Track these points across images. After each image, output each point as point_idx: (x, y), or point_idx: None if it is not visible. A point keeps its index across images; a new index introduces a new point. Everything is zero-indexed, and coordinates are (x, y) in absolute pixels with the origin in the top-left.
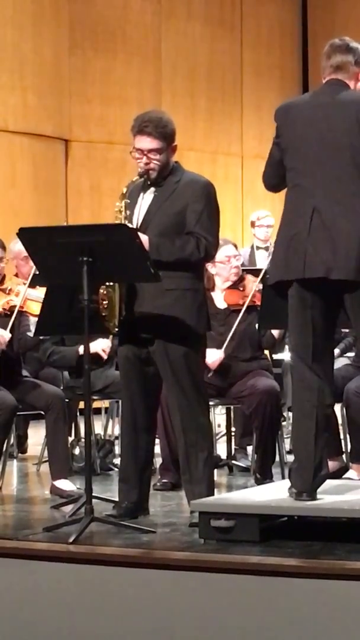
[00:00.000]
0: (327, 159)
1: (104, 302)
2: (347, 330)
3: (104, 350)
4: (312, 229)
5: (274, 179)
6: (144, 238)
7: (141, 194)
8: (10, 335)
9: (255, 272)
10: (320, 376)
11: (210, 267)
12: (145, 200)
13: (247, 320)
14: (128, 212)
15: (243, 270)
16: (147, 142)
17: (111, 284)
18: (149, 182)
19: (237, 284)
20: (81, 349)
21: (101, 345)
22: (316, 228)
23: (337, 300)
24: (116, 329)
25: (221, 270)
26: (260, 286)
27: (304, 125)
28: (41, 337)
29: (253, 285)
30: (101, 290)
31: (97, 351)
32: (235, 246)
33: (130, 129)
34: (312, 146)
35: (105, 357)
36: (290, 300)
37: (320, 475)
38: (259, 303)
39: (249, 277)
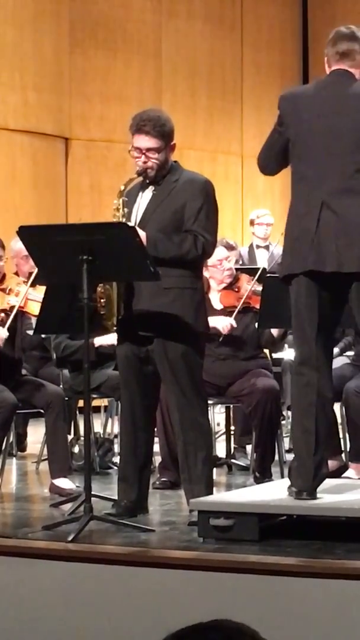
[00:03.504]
0: (336, 152)
1: (102, 300)
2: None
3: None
4: (321, 223)
5: (272, 164)
6: (142, 234)
7: (140, 193)
8: (7, 333)
9: (254, 272)
10: (321, 372)
11: (203, 271)
12: (144, 198)
13: (243, 320)
14: (126, 210)
15: (241, 269)
16: (145, 141)
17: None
18: (147, 181)
19: (232, 285)
20: (96, 341)
21: (113, 340)
22: (325, 221)
23: (343, 295)
24: (114, 328)
25: (214, 274)
26: (257, 287)
27: (312, 118)
28: (43, 335)
29: (248, 285)
30: (99, 289)
31: (113, 343)
32: (229, 246)
33: (128, 128)
34: (321, 139)
35: None
36: (295, 294)
37: (320, 474)
38: (254, 304)
39: (244, 277)
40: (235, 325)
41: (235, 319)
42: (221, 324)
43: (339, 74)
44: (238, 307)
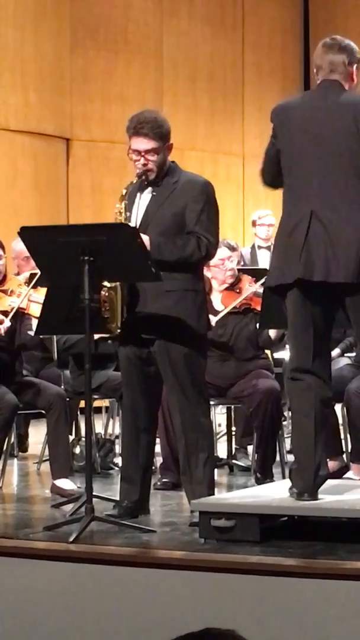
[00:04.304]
0: (324, 163)
1: (105, 304)
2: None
3: None
4: (310, 233)
5: (270, 176)
6: (145, 238)
7: (138, 194)
8: (9, 323)
9: (255, 272)
10: (319, 376)
11: (205, 271)
12: (143, 200)
13: (243, 321)
14: (128, 214)
15: (243, 270)
16: (143, 143)
17: (113, 285)
18: (146, 182)
19: (234, 286)
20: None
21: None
22: (314, 232)
23: (336, 302)
24: (118, 330)
25: (216, 274)
26: (258, 289)
27: (300, 129)
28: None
29: (250, 287)
30: (103, 292)
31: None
32: (231, 247)
33: (125, 130)
34: (310, 150)
35: None
36: (290, 303)
37: (320, 475)
38: (254, 306)
39: (246, 278)
40: (212, 325)
41: (234, 319)
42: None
43: (327, 85)
44: (233, 305)
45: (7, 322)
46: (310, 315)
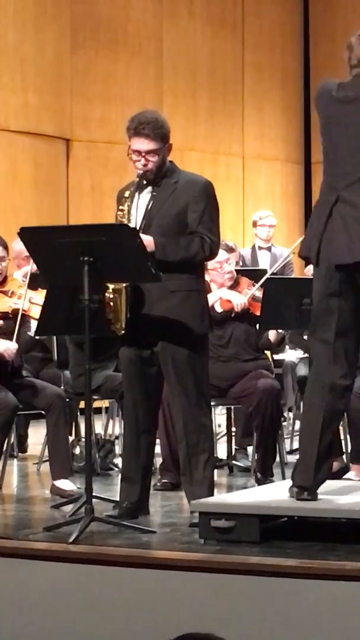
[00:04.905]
0: (353, 147)
1: (111, 305)
2: None
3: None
4: (337, 217)
5: None
6: (148, 239)
7: (136, 195)
8: (17, 346)
9: (256, 273)
10: (336, 371)
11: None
12: (142, 200)
13: (242, 324)
14: (131, 216)
15: (242, 271)
16: (144, 144)
17: (117, 287)
18: (145, 182)
19: (233, 288)
20: None
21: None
22: (341, 216)
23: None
24: (122, 332)
25: (215, 277)
26: (257, 293)
27: (332, 116)
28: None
29: (248, 290)
30: (107, 295)
31: None
32: (229, 248)
33: (126, 130)
34: (340, 137)
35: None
36: (316, 285)
37: (321, 473)
38: (253, 311)
39: (244, 281)
40: (246, 304)
41: (232, 323)
42: (237, 300)
43: None
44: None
45: (15, 345)
46: (336, 309)
